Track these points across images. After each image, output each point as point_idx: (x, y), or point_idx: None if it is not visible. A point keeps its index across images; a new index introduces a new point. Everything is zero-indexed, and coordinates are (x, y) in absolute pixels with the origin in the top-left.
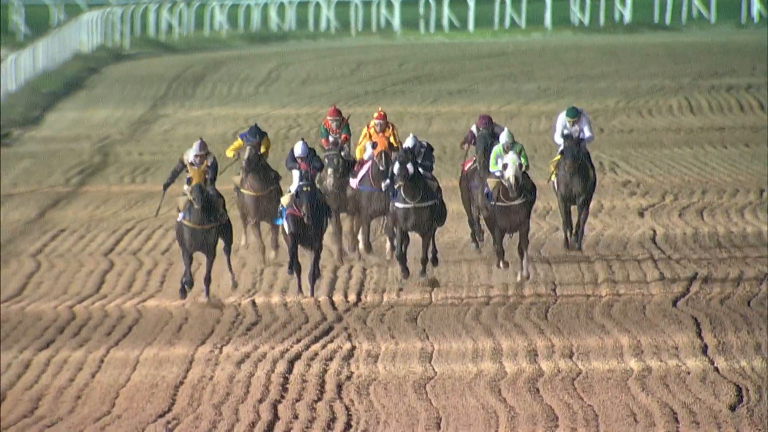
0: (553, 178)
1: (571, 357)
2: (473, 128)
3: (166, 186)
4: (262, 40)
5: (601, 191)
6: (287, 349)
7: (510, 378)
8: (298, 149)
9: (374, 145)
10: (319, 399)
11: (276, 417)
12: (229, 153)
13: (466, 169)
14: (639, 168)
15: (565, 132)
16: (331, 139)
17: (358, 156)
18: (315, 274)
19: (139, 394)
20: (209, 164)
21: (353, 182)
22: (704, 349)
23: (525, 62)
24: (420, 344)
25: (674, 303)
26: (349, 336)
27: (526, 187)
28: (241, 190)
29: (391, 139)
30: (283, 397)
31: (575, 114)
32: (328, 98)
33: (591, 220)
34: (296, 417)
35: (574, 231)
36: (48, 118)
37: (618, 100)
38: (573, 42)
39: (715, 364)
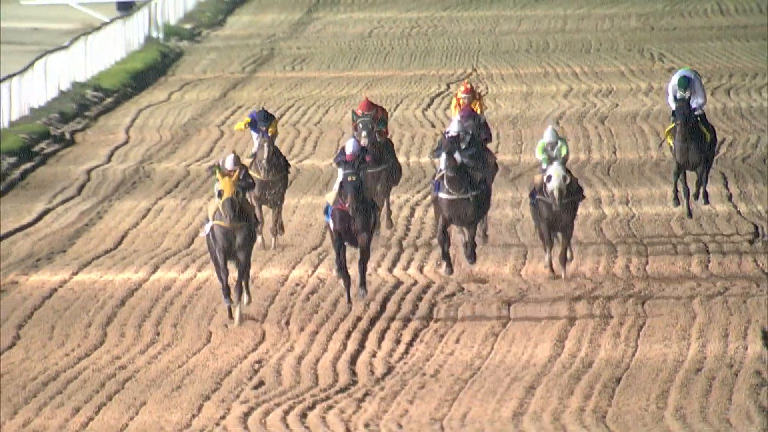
0: (670, 142)
1: (627, 204)
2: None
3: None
4: None
5: (651, 75)
6: (408, 199)
7: (580, 220)
8: (350, 147)
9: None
10: (433, 236)
11: (401, 250)
12: (239, 126)
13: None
14: (680, 57)
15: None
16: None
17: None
18: (363, 280)
19: (297, 231)
20: (240, 177)
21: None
22: (729, 197)
23: None
24: (511, 193)
25: None
26: None
27: (571, 188)
28: (251, 173)
29: (477, 111)
30: (406, 235)
31: (686, 84)
32: (442, 3)
33: (643, 97)
34: (417, 250)
35: (694, 191)
36: (229, 21)
37: (665, 5)
38: None
39: (738, 208)
